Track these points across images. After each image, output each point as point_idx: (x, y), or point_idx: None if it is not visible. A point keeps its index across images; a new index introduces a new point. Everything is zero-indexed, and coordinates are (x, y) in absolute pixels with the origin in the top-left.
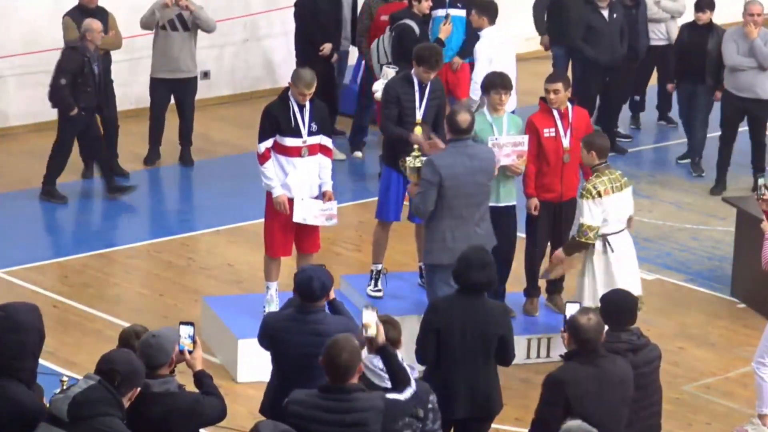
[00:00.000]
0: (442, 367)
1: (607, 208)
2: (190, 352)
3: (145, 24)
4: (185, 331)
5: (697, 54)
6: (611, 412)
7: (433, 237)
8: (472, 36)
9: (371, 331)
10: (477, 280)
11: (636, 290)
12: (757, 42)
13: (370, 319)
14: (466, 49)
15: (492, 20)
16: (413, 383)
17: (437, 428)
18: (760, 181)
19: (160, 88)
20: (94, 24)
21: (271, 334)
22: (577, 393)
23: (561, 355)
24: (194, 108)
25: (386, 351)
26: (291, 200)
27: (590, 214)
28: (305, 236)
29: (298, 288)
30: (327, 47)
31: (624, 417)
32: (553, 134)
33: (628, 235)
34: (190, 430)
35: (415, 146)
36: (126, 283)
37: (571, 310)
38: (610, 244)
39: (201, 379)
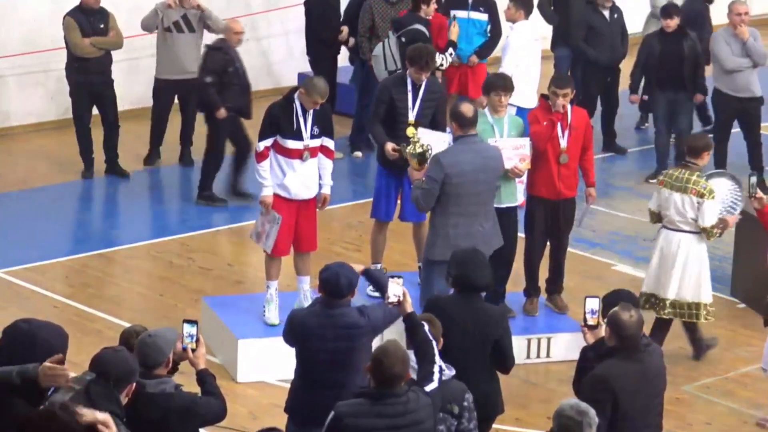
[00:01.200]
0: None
1: (659, 198)
2: (193, 351)
3: (146, 25)
4: (188, 329)
5: (674, 62)
6: (650, 404)
7: (437, 232)
8: (493, 39)
9: (393, 299)
10: (481, 281)
11: (673, 293)
12: (750, 41)
13: (395, 289)
14: (485, 50)
15: (527, 14)
16: (437, 360)
17: (473, 428)
18: (752, 180)
19: (164, 89)
20: (234, 24)
21: (297, 331)
22: (623, 389)
23: (600, 354)
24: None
25: (412, 320)
26: (286, 200)
27: (653, 195)
28: (304, 235)
29: (325, 285)
30: (345, 31)
31: (656, 410)
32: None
33: (688, 240)
34: (186, 430)
35: (412, 133)
36: (126, 283)
37: (591, 304)
38: (658, 235)
39: (203, 378)
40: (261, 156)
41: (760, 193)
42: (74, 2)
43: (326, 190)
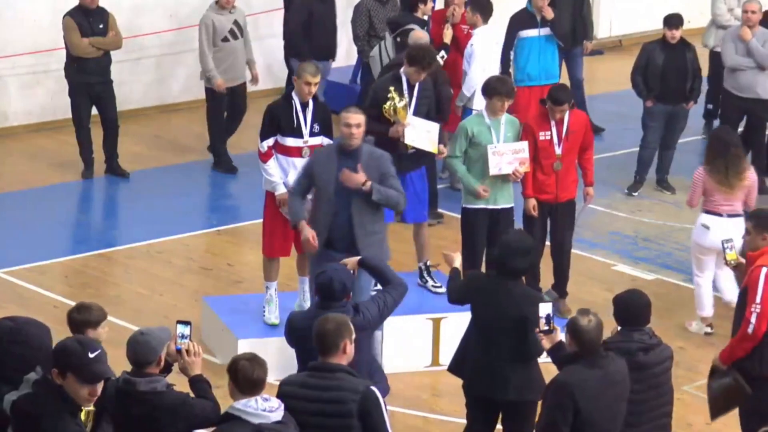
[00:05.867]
0: (474, 342)
1: None
2: (187, 352)
3: (204, 50)
4: (181, 329)
5: (678, 74)
6: (612, 410)
7: None
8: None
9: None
10: (518, 265)
11: None
12: (752, 43)
13: None
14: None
15: (485, 19)
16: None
17: None
18: (726, 245)
19: (223, 98)
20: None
21: (295, 333)
22: (584, 395)
23: (558, 359)
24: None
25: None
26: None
27: None
28: None
29: (319, 288)
30: None
31: (622, 414)
32: (548, 138)
33: None
34: (177, 429)
35: (391, 88)
36: (126, 283)
37: (544, 309)
38: None
39: (195, 383)
40: (265, 156)
41: (740, 258)
42: (74, 2)
43: None
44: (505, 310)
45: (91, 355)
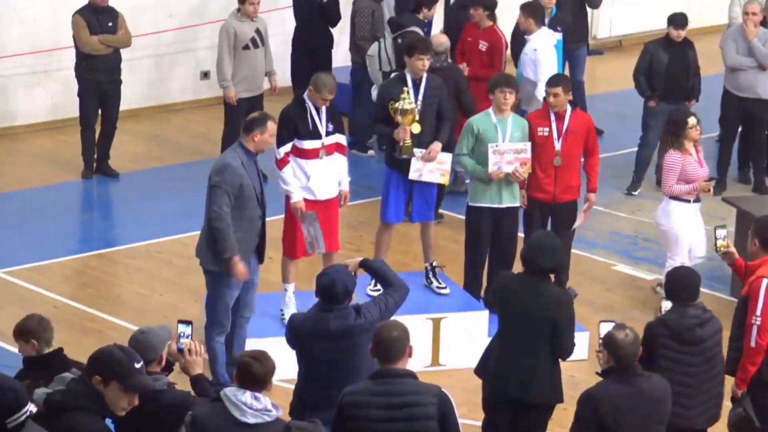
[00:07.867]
0: (500, 343)
1: None
2: (189, 352)
3: (222, 57)
4: (182, 329)
5: (681, 72)
6: (643, 430)
7: None
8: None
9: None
10: (544, 264)
11: None
12: (754, 42)
13: None
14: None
15: (539, 22)
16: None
17: None
18: (719, 232)
19: (241, 108)
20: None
21: (296, 335)
22: (609, 410)
23: (597, 372)
24: None
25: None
26: (309, 202)
27: None
28: (326, 236)
29: (321, 290)
30: None
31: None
32: (546, 134)
33: None
34: (178, 428)
35: (405, 89)
36: (126, 283)
37: (605, 328)
38: None
39: (196, 383)
40: (282, 162)
41: (731, 247)
42: (74, 2)
43: (345, 187)
44: (533, 311)
45: (136, 366)
